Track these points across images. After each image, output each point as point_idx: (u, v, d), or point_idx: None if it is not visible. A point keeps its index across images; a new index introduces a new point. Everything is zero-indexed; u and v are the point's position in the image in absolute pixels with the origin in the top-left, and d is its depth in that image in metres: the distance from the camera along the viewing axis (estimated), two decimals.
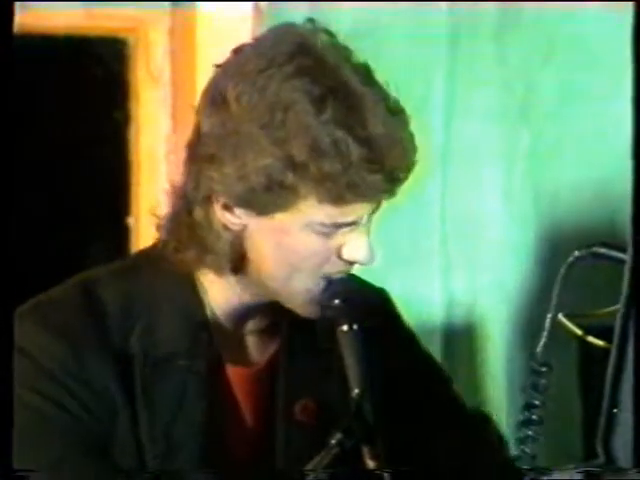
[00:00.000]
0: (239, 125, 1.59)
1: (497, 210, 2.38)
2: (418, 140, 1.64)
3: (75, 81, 2.63)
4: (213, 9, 2.63)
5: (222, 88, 1.62)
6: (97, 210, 2.64)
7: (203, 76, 2.69)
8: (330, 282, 1.65)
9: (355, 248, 1.63)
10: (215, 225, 1.64)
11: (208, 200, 1.64)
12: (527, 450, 1.78)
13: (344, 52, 1.62)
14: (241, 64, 1.62)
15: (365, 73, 1.62)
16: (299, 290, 1.64)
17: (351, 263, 1.64)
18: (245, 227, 1.63)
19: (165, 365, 1.64)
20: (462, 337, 2.35)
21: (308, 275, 1.63)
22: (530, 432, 1.79)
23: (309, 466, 1.55)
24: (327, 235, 1.62)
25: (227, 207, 1.63)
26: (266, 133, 1.57)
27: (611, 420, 1.64)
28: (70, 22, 2.60)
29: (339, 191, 1.58)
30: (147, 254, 1.71)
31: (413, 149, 1.63)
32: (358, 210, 1.61)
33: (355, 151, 1.57)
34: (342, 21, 2.42)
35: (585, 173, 2.26)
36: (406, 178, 1.63)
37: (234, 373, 1.69)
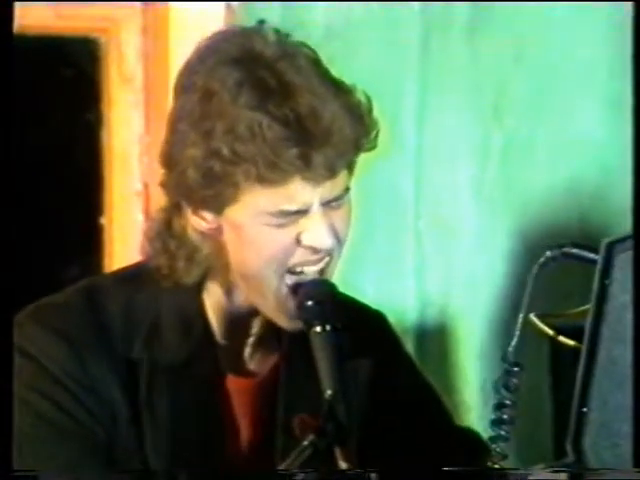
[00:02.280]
0: (177, 125, 1.63)
1: (470, 210, 2.40)
2: (372, 128, 1.64)
3: (46, 82, 2.63)
4: (185, 8, 2.63)
5: (173, 94, 1.68)
6: (70, 210, 2.64)
7: None
8: (302, 284, 1.66)
9: (313, 234, 1.64)
10: (194, 234, 1.67)
11: (179, 210, 1.67)
12: (498, 449, 1.78)
13: (289, 47, 1.65)
14: (181, 69, 1.67)
15: (305, 63, 1.63)
16: (272, 290, 1.65)
17: (314, 250, 1.65)
18: (214, 228, 1.66)
19: (167, 373, 1.66)
20: (435, 337, 2.36)
21: (275, 271, 1.64)
22: (502, 431, 1.79)
23: (281, 467, 1.56)
24: (281, 226, 1.63)
25: (194, 212, 1.65)
26: (195, 127, 1.61)
27: (581, 419, 1.64)
28: (40, 22, 2.60)
29: (260, 172, 1.59)
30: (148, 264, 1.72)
31: (353, 131, 1.63)
32: (301, 195, 1.62)
33: (270, 130, 1.58)
34: (314, 21, 2.42)
35: (557, 173, 2.28)
36: (345, 159, 1.64)
37: (235, 383, 1.71)
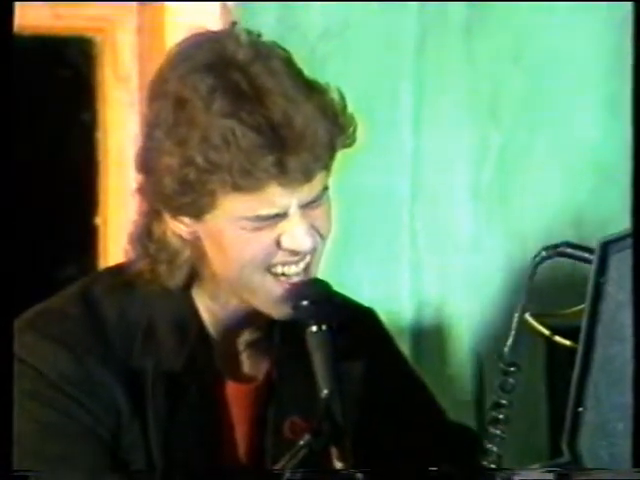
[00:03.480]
0: (152, 131, 1.64)
1: (466, 210, 2.41)
2: (347, 126, 1.64)
3: (42, 81, 2.63)
4: (181, 8, 2.64)
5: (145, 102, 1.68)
6: (65, 210, 2.64)
7: None
8: (297, 284, 1.67)
9: (292, 237, 1.64)
10: (174, 238, 1.68)
11: (159, 215, 1.67)
12: (494, 449, 1.79)
13: (262, 49, 1.65)
14: (154, 76, 1.67)
15: (278, 64, 1.64)
16: (258, 289, 1.66)
17: (294, 253, 1.66)
18: (194, 233, 1.67)
19: (167, 376, 1.67)
20: (431, 337, 2.37)
21: (257, 271, 1.65)
22: (497, 431, 1.78)
23: (277, 466, 1.57)
24: (259, 229, 1.64)
25: (173, 217, 1.66)
26: (170, 135, 1.62)
27: (576, 419, 1.64)
28: (36, 22, 2.61)
29: (235, 180, 1.60)
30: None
31: (327, 133, 1.63)
32: (278, 200, 1.63)
33: (244, 138, 1.59)
34: (311, 20, 2.43)
35: (553, 173, 2.29)
36: (321, 161, 1.64)
37: (234, 389, 1.71)
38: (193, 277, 1.70)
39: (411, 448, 1.78)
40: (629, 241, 1.65)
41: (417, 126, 2.47)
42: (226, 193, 1.61)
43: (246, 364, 1.73)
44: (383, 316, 1.90)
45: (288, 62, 1.65)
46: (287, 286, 1.66)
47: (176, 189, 1.62)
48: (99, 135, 2.72)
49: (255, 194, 1.61)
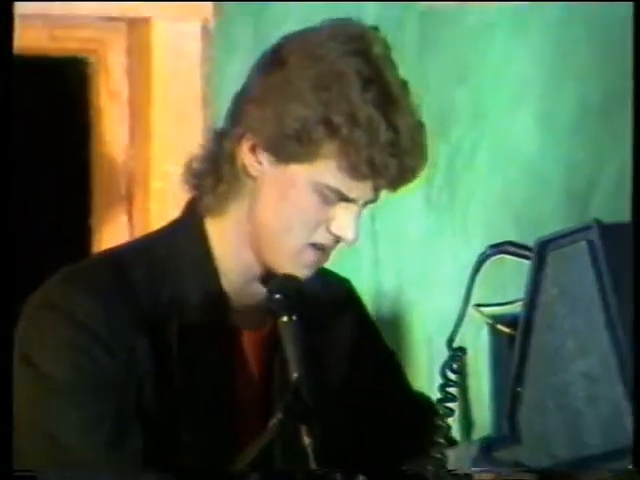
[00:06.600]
0: (290, 77, 1.71)
1: (420, 213, 2.45)
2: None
3: (42, 97, 2.77)
4: (166, 30, 2.80)
5: (283, 53, 1.74)
6: (61, 212, 2.77)
7: (158, 91, 2.88)
8: (273, 278, 1.77)
9: (344, 225, 1.73)
10: (238, 169, 1.73)
11: (239, 140, 1.73)
12: (443, 424, 1.89)
13: (393, 63, 1.77)
14: (304, 38, 1.75)
15: (403, 84, 1.77)
16: (285, 252, 1.74)
17: (337, 239, 1.75)
18: (263, 175, 1.73)
19: (189, 330, 1.73)
20: (388, 324, 2.41)
21: (298, 236, 1.73)
22: (446, 408, 1.88)
23: (254, 445, 1.64)
24: (326, 201, 1.71)
25: (254, 149, 1.72)
26: (313, 91, 1.70)
27: (516, 397, 1.71)
28: (35, 43, 2.76)
29: (358, 162, 1.69)
30: (168, 227, 1.79)
31: (422, 157, 1.76)
32: (361, 189, 1.73)
33: (384, 134, 1.70)
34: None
35: (495, 181, 2.29)
36: (408, 178, 1.76)
37: (248, 337, 1.77)
38: (227, 224, 1.75)
39: (381, 413, 1.88)
40: (564, 240, 1.68)
41: None
42: (331, 162, 1.68)
43: (261, 312, 1.77)
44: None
45: (407, 85, 1.78)
46: (265, 279, 1.75)
47: (289, 134, 1.67)
48: (93, 144, 2.86)
49: (350, 179, 1.69)
